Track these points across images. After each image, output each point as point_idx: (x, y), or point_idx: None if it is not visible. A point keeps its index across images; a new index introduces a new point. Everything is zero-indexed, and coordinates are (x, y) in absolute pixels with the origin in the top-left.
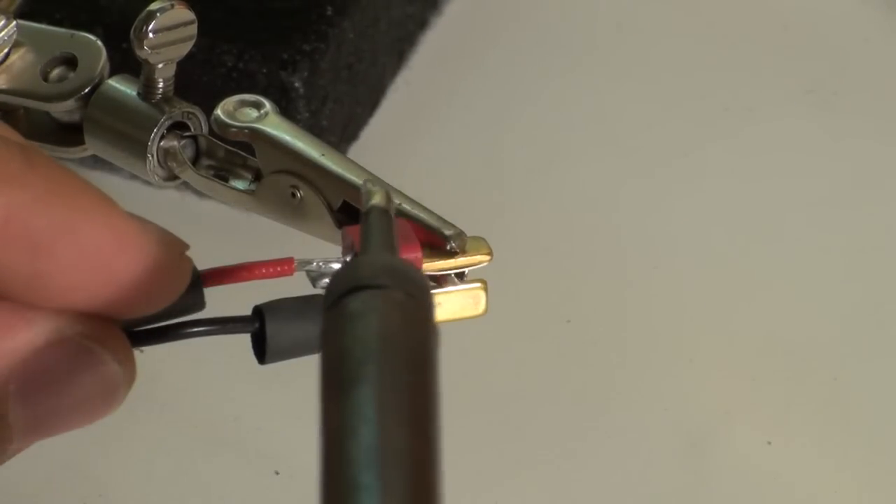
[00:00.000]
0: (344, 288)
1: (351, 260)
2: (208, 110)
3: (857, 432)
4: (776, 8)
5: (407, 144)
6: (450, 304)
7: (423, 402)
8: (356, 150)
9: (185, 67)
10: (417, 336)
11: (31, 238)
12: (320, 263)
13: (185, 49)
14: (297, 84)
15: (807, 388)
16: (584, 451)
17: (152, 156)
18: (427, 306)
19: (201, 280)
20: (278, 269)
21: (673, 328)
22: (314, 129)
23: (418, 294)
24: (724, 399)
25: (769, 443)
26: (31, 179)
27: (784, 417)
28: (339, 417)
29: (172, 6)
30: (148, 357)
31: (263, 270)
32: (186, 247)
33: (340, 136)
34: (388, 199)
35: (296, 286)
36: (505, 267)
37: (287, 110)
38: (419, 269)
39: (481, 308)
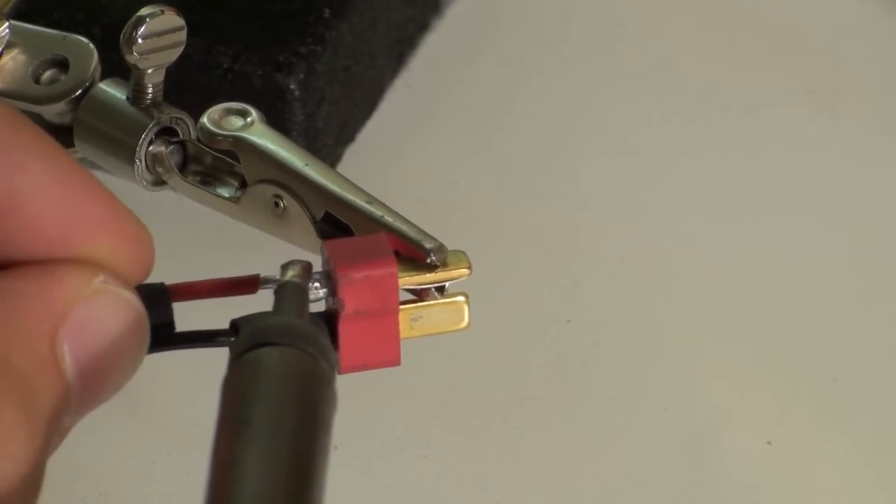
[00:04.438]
0: (247, 344)
1: (257, 318)
2: (204, 112)
3: (857, 432)
4: (776, 8)
5: (404, 147)
6: (431, 318)
7: (304, 446)
8: (352, 153)
9: (182, 69)
10: (307, 388)
11: (4, 152)
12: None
13: (174, 55)
14: (292, 86)
15: (807, 388)
16: (584, 451)
17: (140, 161)
18: (322, 364)
19: (168, 294)
20: (242, 287)
21: (673, 328)
22: (310, 131)
23: (315, 353)
24: (724, 399)
25: (769, 443)
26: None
27: (784, 417)
28: (224, 454)
29: (162, 12)
30: (148, 356)
31: (227, 288)
32: None
33: (336, 138)
34: (305, 273)
35: None
36: (505, 267)
37: (283, 112)
38: (320, 333)
39: (464, 322)
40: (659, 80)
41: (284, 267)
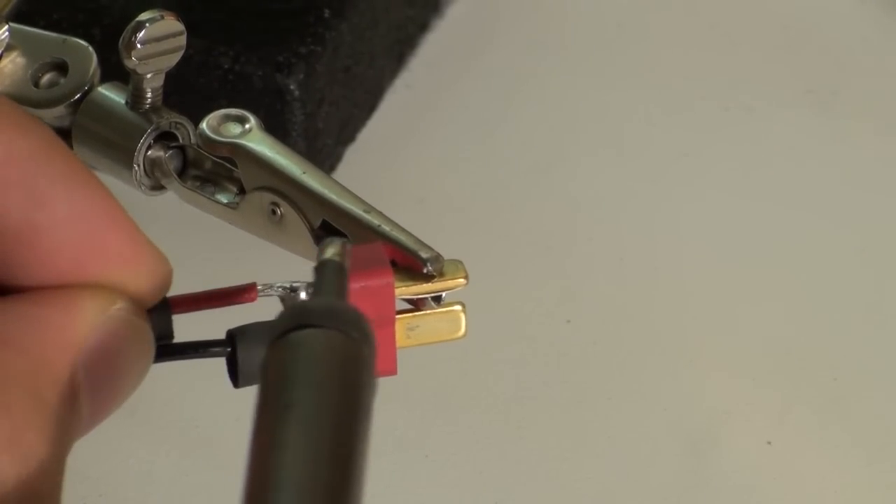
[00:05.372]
0: (290, 325)
1: (300, 301)
2: (204, 113)
3: (857, 432)
4: (776, 8)
5: (405, 147)
6: (428, 327)
7: (347, 432)
8: (352, 153)
9: (182, 70)
10: (351, 373)
11: (29, 185)
12: (282, 287)
13: (173, 60)
14: (292, 86)
15: (807, 388)
16: (584, 451)
17: (138, 165)
18: (365, 349)
19: (170, 307)
20: (241, 296)
21: (673, 329)
22: (310, 131)
23: (359, 337)
24: (724, 399)
25: (769, 443)
26: (34, 129)
27: (784, 417)
28: (265, 437)
29: (162, 17)
30: None
31: (227, 297)
32: None
33: (336, 138)
34: (343, 252)
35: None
36: (505, 267)
37: (283, 113)
38: (363, 316)
39: (461, 331)
40: (659, 80)
41: (324, 245)
